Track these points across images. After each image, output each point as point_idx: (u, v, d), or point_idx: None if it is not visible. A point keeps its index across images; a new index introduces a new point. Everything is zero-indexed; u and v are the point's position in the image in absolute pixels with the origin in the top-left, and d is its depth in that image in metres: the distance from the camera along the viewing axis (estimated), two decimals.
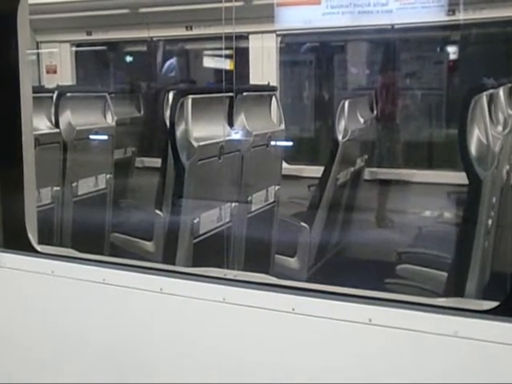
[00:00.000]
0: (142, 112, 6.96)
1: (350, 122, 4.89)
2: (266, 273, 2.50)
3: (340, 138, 4.76)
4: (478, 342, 1.86)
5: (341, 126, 4.79)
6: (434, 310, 1.95)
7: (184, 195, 3.57)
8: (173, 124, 3.59)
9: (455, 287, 3.02)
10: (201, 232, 3.64)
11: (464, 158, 2.89)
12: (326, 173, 4.75)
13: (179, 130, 3.58)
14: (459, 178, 4.85)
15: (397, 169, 6.07)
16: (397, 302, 2.02)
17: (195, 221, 3.59)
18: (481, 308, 1.93)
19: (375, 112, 5.99)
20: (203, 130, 3.67)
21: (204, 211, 3.65)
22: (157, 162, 5.67)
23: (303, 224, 4.75)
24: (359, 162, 5.54)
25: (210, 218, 3.71)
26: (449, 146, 6.16)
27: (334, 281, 2.22)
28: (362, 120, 5.35)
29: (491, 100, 3.17)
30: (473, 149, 2.86)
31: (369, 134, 5.67)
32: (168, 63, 7.26)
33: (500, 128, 3.26)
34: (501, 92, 3.44)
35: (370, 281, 2.28)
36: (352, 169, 5.24)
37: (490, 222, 3.00)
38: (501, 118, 3.35)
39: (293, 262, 4.67)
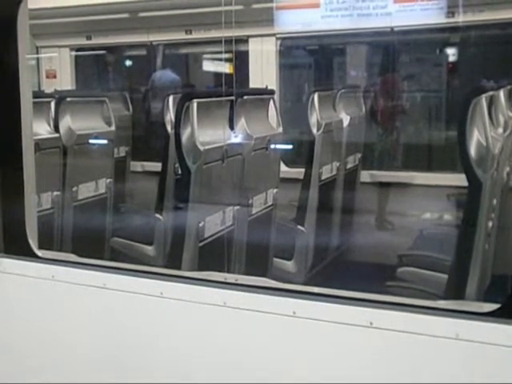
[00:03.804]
0: (144, 117, 6.98)
1: (323, 115, 4.98)
2: (264, 276, 2.50)
3: (314, 130, 4.86)
4: (478, 344, 1.86)
5: (313, 118, 4.90)
6: (434, 313, 1.95)
7: (188, 199, 3.56)
8: (178, 128, 3.59)
9: (456, 289, 3.02)
10: (205, 236, 3.64)
11: (464, 160, 2.89)
12: (309, 167, 4.85)
13: (185, 134, 3.58)
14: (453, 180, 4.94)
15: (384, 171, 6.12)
16: (398, 304, 2.02)
17: (200, 224, 3.58)
18: (482, 310, 1.92)
19: (364, 109, 6.05)
20: (206, 133, 3.67)
21: (208, 215, 3.65)
22: (156, 166, 5.69)
23: (300, 227, 4.77)
24: (351, 161, 5.58)
25: (214, 222, 3.71)
26: (447, 148, 6.17)
27: (332, 284, 2.22)
28: (344, 115, 5.49)
29: (491, 102, 3.17)
30: (472, 151, 2.86)
31: (354, 129, 5.71)
32: (162, 72, 7.25)
33: (500, 130, 3.26)
34: (501, 94, 3.44)
35: (369, 284, 2.27)
36: (337, 164, 5.26)
37: (490, 224, 2.99)
38: (501, 119, 3.35)
39: (290, 265, 4.68)
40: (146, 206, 5.79)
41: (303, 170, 4.99)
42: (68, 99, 5.01)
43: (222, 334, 2.31)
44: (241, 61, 5.86)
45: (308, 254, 4.84)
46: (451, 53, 7.12)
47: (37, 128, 4.36)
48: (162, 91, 6.64)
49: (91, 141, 5.13)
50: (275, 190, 4.44)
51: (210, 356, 2.34)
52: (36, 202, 3.46)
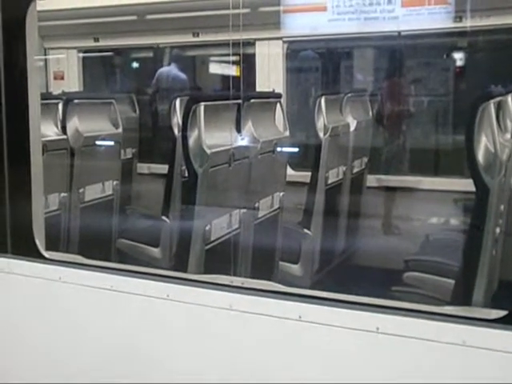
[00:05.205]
0: (150, 119, 6.99)
1: (330, 119, 4.98)
2: (271, 280, 2.50)
3: (321, 134, 4.87)
4: (485, 351, 1.85)
5: (319, 122, 4.91)
6: (441, 319, 1.94)
7: (195, 202, 3.57)
8: (185, 130, 3.59)
9: (463, 295, 3.01)
10: (212, 239, 3.64)
11: (471, 165, 2.88)
12: (315, 171, 4.86)
13: (191, 137, 3.58)
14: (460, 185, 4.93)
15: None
16: (404, 310, 2.02)
17: (207, 227, 3.58)
18: (489, 317, 1.92)
19: (371, 113, 6.05)
20: (213, 136, 3.67)
21: (214, 218, 3.65)
22: (163, 168, 5.70)
23: (306, 231, 4.77)
24: (358, 165, 5.58)
25: (221, 225, 3.71)
26: (455, 153, 6.15)
27: (338, 288, 2.21)
28: (351, 119, 5.49)
29: (499, 107, 3.16)
30: (480, 157, 2.85)
31: (361, 133, 5.70)
32: (168, 69, 7.25)
33: (508, 136, 3.24)
34: (509, 99, 3.43)
35: (375, 288, 2.27)
36: (344, 168, 5.28)
37: (497, 230, 2.98)
38: (509, 125, 3.34)
39: (296, 269, 4.68)
40: (152, 209, 5.79)
41: (310, 173, 4.99)
42: (75, 101, 5.02)
43: (227, 337, 2.31)
44: (248, 64, 5.86)
45: (314, 257, 4.84)
46: (459, 57, 7.10)
47: (44, 129, 4.38)
48: (168, 93, 6.65)
49: (98, 142, 5.14)
50: (281, 194, 4.44)
51: (214, 359, 2.34)
52: (43, 203, 3.47)
